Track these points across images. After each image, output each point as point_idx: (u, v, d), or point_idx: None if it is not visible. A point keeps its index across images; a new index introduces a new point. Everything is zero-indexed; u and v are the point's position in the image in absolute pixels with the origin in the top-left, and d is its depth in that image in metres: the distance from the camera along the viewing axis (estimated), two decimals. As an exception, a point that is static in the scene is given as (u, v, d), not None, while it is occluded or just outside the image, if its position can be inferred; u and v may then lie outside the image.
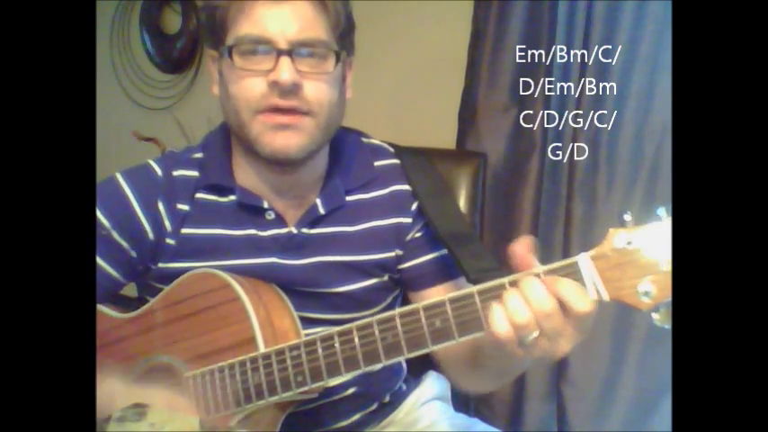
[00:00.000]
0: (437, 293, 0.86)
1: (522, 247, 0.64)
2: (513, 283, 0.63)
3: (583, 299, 0.60)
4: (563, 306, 0.61)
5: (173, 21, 2.05)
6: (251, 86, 0.77)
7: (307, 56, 0.77)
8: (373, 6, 1.56)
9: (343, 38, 0.81)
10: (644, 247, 0.60)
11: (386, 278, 0.90)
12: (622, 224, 0.62)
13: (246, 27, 0.77)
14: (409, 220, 0.89)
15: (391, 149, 0.94)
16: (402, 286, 0.92)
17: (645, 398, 1.37)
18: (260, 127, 0.78)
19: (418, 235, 0.90)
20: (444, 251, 0.88)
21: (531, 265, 0.64)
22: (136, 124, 2.04)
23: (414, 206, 0.89)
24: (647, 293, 0.60)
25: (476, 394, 1.27)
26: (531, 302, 0.61)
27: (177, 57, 2.03)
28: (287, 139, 0.78)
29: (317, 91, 0.78)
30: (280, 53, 0.76)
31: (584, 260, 0.62)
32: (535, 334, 0.61)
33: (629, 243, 0.61)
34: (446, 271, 0.88)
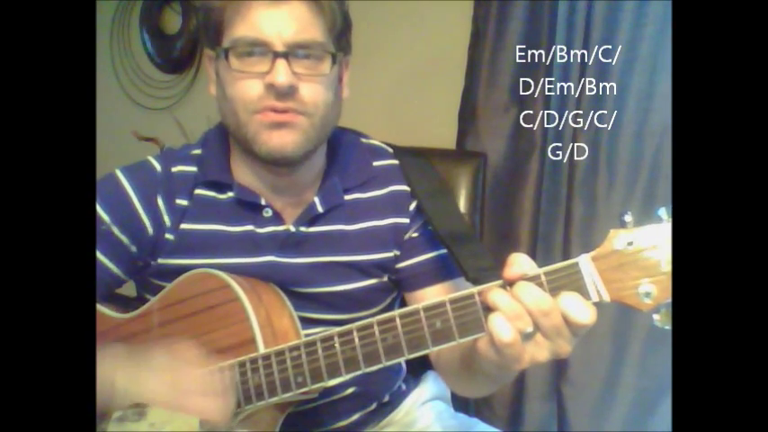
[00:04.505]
0: (433, 294, 0.86)
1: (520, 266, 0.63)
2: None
3: (585, 311, 0.60)
4: (566, 319, 0.60)
5: (173, 21, 2.05)
6: (247, 88, 0.77)
7: (303, 57, 0.77)
8: (373, 6, 1.57)
9: (340, 38, 0.81)
10: (645, 248, 0.60)
11: (385, 279, 0.90)
12: (623, 225, 0.62)
13: (243, 29, 0.77)
14: (406, 220, 0.89)
15: (390, 150, 0.94)
16: (399, 286, 0.92)
17: (645, 398, 1.37)
18: (256, 126, 0.78)
19: (415, 235, 0.90)
20: (441, 251, 0.88)
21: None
22: (136, 124, 2.04)
23: (412, 206, 0.89)
24: (647, 294, 0.60)
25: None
26: (527, 302, 0.60)
27: (177, 57, 2.03)
28: (283, 138, 0.78)
29: (312, 92, 0.78)
30: (276, 55, 0.76)
31: (584, 261, 0.62)
32: (529, 329, 0.61)
33: (629, 244, 0.61)
34: (442, 271, 0.88)
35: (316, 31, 0.78)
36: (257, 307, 0.77)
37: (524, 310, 0.60)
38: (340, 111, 0.85)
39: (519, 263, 0.63)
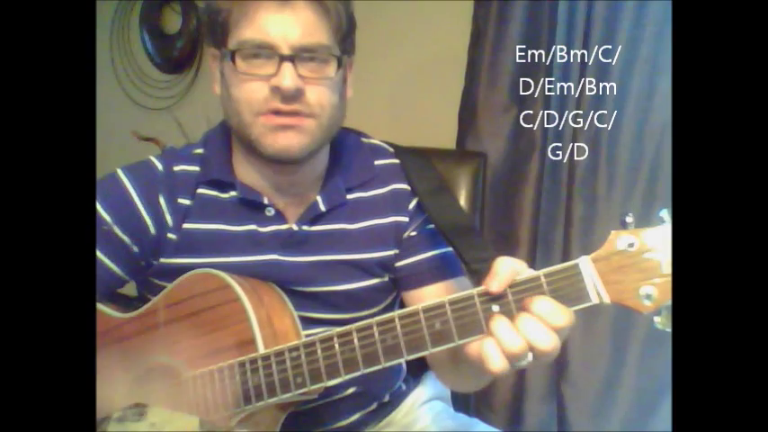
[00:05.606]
0: (430, 293, 0.86)
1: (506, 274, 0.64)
2: (514, 286, 0.63)
3: (559, 315, 0.61)
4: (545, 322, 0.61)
5: (173, 21, 2.05)
6: (253, 90, 0.77)
7: (309, 61, 0.77)
8: (373, 6, 1.57)
9: (345, 40, 0.81)
10: (646, 250, 0.60)
11: (386, 278, 0.91)
12: (624, 226, 0.61)
13: (249, 32, 0.76)
14: (406, 219, 0.89)
15: (391, 149, 0.94)
16: (397, 285, 0.92)
17: (645, 398, 1.38)
18: (261, 128, 0.78)
19: (414, 234, 0.90)
20: (438, 251, 0.88)
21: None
22: (136, 124, 2.05)
23: (411, 205, 0.90)
24: (648, 296, 0.60)
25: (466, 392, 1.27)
26: (528, 336, 0.61)
27: (177, 57, 2.03)
28: (289, 140, 0.78)
29: (318, 95, 0.78)
30: (282, 58, 0.76)
31: (585, 263, 0.62)
32: (529, 358, 0.61)
33: (630, 245, 0.60)
34: (440, 270, 0.88)
35: (321, 34, 0.77)
36: (258, 307, 0.77)
37: (525, 343, 0.61)
38: (345, 112, 0.85)
39: (504, 271, 0.63)
